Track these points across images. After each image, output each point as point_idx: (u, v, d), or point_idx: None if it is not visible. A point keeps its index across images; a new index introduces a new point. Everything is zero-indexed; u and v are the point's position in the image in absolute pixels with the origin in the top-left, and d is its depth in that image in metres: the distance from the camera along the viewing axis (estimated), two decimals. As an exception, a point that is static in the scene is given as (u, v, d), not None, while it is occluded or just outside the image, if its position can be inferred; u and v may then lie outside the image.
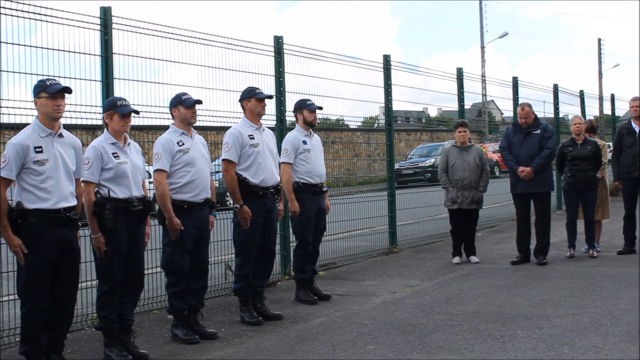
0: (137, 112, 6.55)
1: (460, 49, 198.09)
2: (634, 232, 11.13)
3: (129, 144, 6.42)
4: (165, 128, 7.15)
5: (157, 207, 6.82)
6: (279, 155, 8.24)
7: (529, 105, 10.68)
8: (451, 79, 14.35)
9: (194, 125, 7.09)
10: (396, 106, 13.92)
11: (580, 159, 10.65)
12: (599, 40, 59.64)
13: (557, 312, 7.37)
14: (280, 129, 9.79)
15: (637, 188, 10.93)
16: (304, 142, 8.36)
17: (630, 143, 11.09)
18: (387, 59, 12.18)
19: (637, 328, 6.61)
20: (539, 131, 10.48)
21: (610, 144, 13.23)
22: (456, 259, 10.87)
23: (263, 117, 7.84)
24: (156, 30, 8.29)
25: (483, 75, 37.57)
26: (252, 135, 7.48)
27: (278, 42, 9.90)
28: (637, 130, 11.05)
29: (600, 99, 27.27)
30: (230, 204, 7.47)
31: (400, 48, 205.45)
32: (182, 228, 6.69)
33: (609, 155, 12.30)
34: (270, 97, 7.87)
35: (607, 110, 24.38)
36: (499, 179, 16.84)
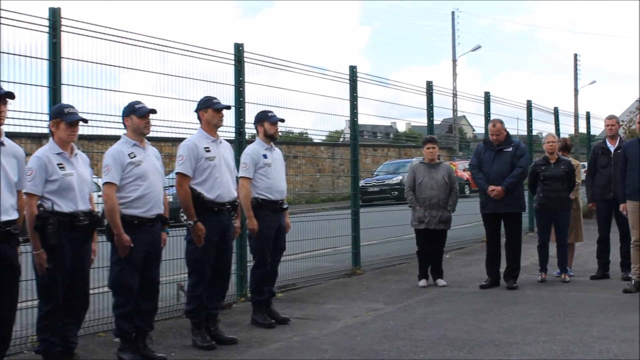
0: (85, 121, 6.50)
1: (432, 62, 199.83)
2: (607, 256, 11.24)
3: (75, 154, 6.36)
4: (116, 138, 7.09)
5: (105, 222, 6.75)
6: (237, 169, 8.22)
7: (501, 122, 10.77)
8: (420, 92, 14.43)
9: (148, 136, 7.04)
10: (363, 120, 13.98)
11: (553, 179, 10.76)
12: (575, 55, 60.66)
13: (527, 339, 7.40)
14: (239, 142, 9.77)
15: (612, 210, 11.00)
16: (264, 156, 8.34)
17: (604, 163, 11.19)
18: (353, 70, 12.23)
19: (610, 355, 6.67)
20: (510, 149, 10.57)
21: (585, 163, 13.39)
22: (422, 282, 10.89)
23: (221, 128, 7.82)
24: (109, 35, 8.26)
25: (454, 90, 37.88)
26: (208, 147, 7.44)
27: (238, 49, 9.89)
28: (612, 150, 11.16)
29: (576, 116, 27.56)
30: (184, 220, 7.42)
31: (369, 59, 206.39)
32: (132, 245, 6.63)
33: (583, 176, 12.44)
34: (228, 107, 7.84)
35: (583, 129, 24.67)
36: (469, 199, 16.96)
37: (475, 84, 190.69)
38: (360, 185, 12.99)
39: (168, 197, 7.43)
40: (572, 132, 26.62)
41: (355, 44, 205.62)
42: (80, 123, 6.37)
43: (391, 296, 10.11)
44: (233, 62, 9.87)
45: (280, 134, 8.85)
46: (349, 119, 12.57)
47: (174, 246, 8.41)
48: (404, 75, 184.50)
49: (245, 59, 9.98)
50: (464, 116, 45.92)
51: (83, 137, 8.05)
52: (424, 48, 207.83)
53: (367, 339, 7.63)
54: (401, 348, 7.18)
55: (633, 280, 9.91)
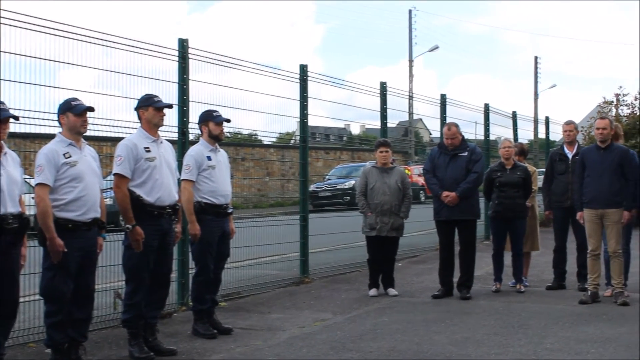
0: (16, 118, 6.41)
1: (389, 62, 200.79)
2: (564, 266, 11.39)
3: (5, 153, 6.26)
4: (52, 137, 7.01)
5: (37, 225, 6.67)
6: (179, 171, 8.19)
7: (456, 125, 10.86)
8: (374, 94, 14.49)
9: (87, 135, 6.98)
10: (315, 121, 14.02)
11: (508, 186, 10.88)
12: (536, 58, 61.65)
13: (479, 352, 7.48)
14: (183, 142, 9.72)
15: (569, 218, 11.15)
16: (209, 158, 8.32)
17: (562, 170, 11.32)
18: (303, 69, 12.24)
19: None
20: (466, 153, 10.66)
21: (543, 169, 13.55)
22: (373, 291, 10.94)
23: (163, 128, 7.79)
24: (48, 27, 8.18)
25: (410, 92, 38.19)
26: (148, 147, 7.40)
27: (183, 45, 9.84)
28: (570, 157, 11.29)
29: (535, 121, 27.89)
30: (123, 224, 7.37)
31: (324, 58, 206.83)
32: (66, 250, 6.56)
33: (540, 182, 12.59)
34: (169, 106, 7.81)
35: (543, 134, 25.02)
36: (424, 205, 17.06)
37: (433, 85, 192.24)
38: (310, 189, 13.02)
39: (106, 200, 7.38)
40: (532, 137, 26.96)
41: (310, 42, 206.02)
42: (11, 120, 6.28)
43: (340, 306, 10.14)
44: (177, 58, 9.83)
45: (227, 134, 8.84)
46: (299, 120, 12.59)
47: (111, 252, 8.32)
48: (360, 76, 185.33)
49: (190, 56, 9.94)
50: (421, 119, 46.29)
51: (16, 135, 7.95)
52: (381, 48, 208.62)
53: (313, 350, 7.64)
54: (349, 360, 7.21)
55: (589, 291, 10.06)
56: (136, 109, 7.62)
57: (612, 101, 23.85)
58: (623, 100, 23.33)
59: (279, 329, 8.75)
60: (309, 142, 12.76)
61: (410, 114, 33.18)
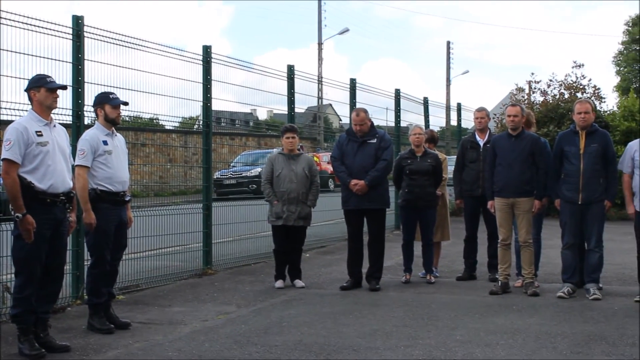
0: None
1: (300, 45, 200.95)
2: (475, 256, 11.62)
3: None
4: None
5: None
6: (73, 157, 8.06)
7: (365, 111, 10.92)
8: (282, 77, 14.49)
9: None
10: (220, 106, 13.93)
11: (418, 173, 11.02)
12: (448, 43, 62.60)
13: (388, 344, 7.57)
14: (77, 126, 9.58)
15: (480, 208, 11.36)
16: (105, 143, 8.22)
17: (473, 158, 11.51)
18: (207, 51, 12.17)
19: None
20: (375, 140, 10.73)
21: (454, 157, 13.77)
22: (279, 283, 10.97)
23: (56, 111, 7.67)
24: None
25: (319, 76, 38.34)
26: (40, 131, 7.26)
27: (77, 23, 9.68)
28: (482, 144, 11.49)
29: (448, 108, 28.35)
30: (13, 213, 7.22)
31: (233, 40, 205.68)
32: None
33: (451, 170, 12.77)
34: (63, 87, 7.68)
35: (455, 121, 25.42)
36: (334, 194, 17.16)
37: (345, 70, 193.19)
38: (215, 177, 12.94)
39: (-6, 187, 7.23)
40: (444, 124, 27.38)
41: (217, 23, 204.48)
42: None
43: (245, 298, 10.15)
44: (71, 36, 9.65)
45: (126, 118, 8.74)
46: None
47: (0, 242, 8.17)
48: (270, 59, 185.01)
49: (85, 34, 9.78)
50: (330, 105, 46.54)
51: None
52: (292, 30, 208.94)
53: (216, 344, 7.63)
54: (253, 354, 7.22)
55: (500, 282, 10.29)
56: (27, 90, 7.45)
57: (524, 88, 24.39)
58: (535, 87, 23.89)
59: (180, 323, 8.71)
60: (212, 127, 12.69)
61: (320, 99, 33.37)
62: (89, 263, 8.46)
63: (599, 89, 23.48)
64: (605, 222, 10.08)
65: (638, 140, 9.95)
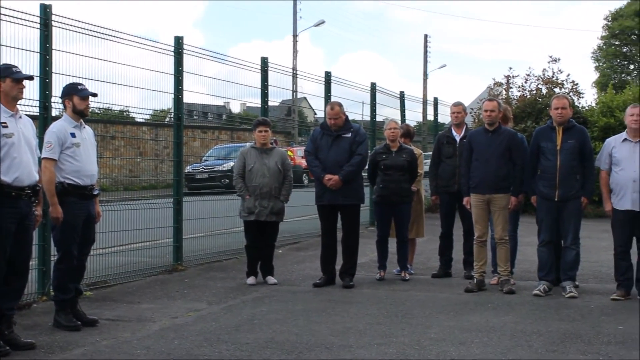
0: None
1: (276, 37, 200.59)
2: (450, 253, 11.66)
3: None
4: None
5: None
6: (40, 149, 8.00)
7: (340, 105, 10.90)
8: (255, 70, 14.45)
9: None
10: (191, 98, 13.88)
11: (394, 169, 11.01)
12: (425, 36, 62.65)
13: (361, 342, 7.58)
14: (45, 118, 9.50)
15: (456, 204, 11.39)
16: (73, 135, 8.16)
17: (450, 153, 11.55)
18: (179, 42, 12.11)
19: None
20: (349, 135, 10.72)
21: (430, 153, 13.80)
22: (251, 280, 10.95)
23: (22, 102, 7.60)
24: None
25: (294, 69, 38.27)
26: (5, 123, 7.19)
27: (45, 12, 9.60)
28: (458, 140, 11.52)
29: (424, 102, 28.41)
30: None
31: (206, 32, 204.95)
32: None
33: (427, 166, 12.80)
34: (30, 77, 7.65)
35: (431, 116, 25.47)
36: (308, 189, 17.16)
37: (321, 63, 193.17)
38: (186, 171, 12.89)
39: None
40: (420, 119, 27.44)
41: (191, 15, 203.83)
42: None
43: (216, 295, 10.12)
44: (39, 25, 9.57)
45: (95, 110, 8.68)
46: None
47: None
48: (245, 51, 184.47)
49: (53, 23, 9.71)
50: (305, 98, 46.47)
51: None
52: (267, 21, 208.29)
53: (186, 342, 7.60)
54: (223, 352, 7.20)
55: (475, 279, 10.33)
56: (-8, 80, 7.39)
57: (502, 83, 24.47)
58: (513, 82, 23.96)
59: (149, 320, 8.68)
60: (184, 120, 12.65)
61: (294, 92, 33.32)
62: (55, 258, 8.41)
63: (577, 84, 23.60)
64: (582, 219, 10.14)
65: (616, 136, 10.02)
